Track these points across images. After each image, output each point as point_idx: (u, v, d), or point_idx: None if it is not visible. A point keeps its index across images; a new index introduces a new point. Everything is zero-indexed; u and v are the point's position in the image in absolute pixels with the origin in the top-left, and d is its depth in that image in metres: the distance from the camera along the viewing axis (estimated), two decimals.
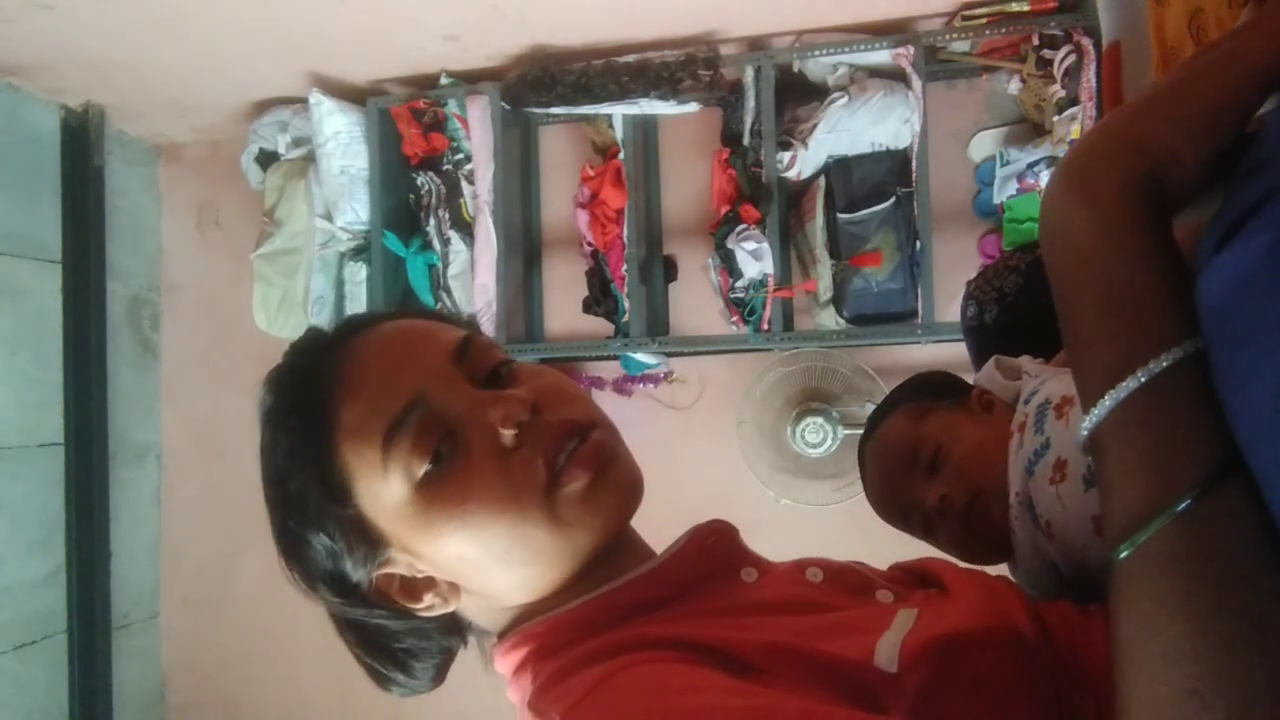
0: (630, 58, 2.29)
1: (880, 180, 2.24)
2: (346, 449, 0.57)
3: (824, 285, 2.30)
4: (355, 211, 2.47)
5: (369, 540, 0.58)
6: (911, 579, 0.65)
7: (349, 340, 0.61)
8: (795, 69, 2.32)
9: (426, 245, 2.48)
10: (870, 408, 1.00)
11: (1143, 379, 0.40)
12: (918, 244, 2.17)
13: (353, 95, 2.46)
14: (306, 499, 0.58)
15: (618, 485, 0.59)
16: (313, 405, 0.58)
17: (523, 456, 0.56)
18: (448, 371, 0.59)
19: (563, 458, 0.56)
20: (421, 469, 0.56)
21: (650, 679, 0.48)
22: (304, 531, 0.58)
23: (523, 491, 0.55)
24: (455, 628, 0.64)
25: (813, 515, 2.29)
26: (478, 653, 0.66)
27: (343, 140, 2.43)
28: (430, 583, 0.60)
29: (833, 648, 0.50)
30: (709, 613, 0.56)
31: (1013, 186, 2.22)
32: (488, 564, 0.57)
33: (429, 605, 0.61)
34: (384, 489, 0.56)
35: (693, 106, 2.29)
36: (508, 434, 0.56)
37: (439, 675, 0.65)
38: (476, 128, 2.38)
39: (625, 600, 0.57)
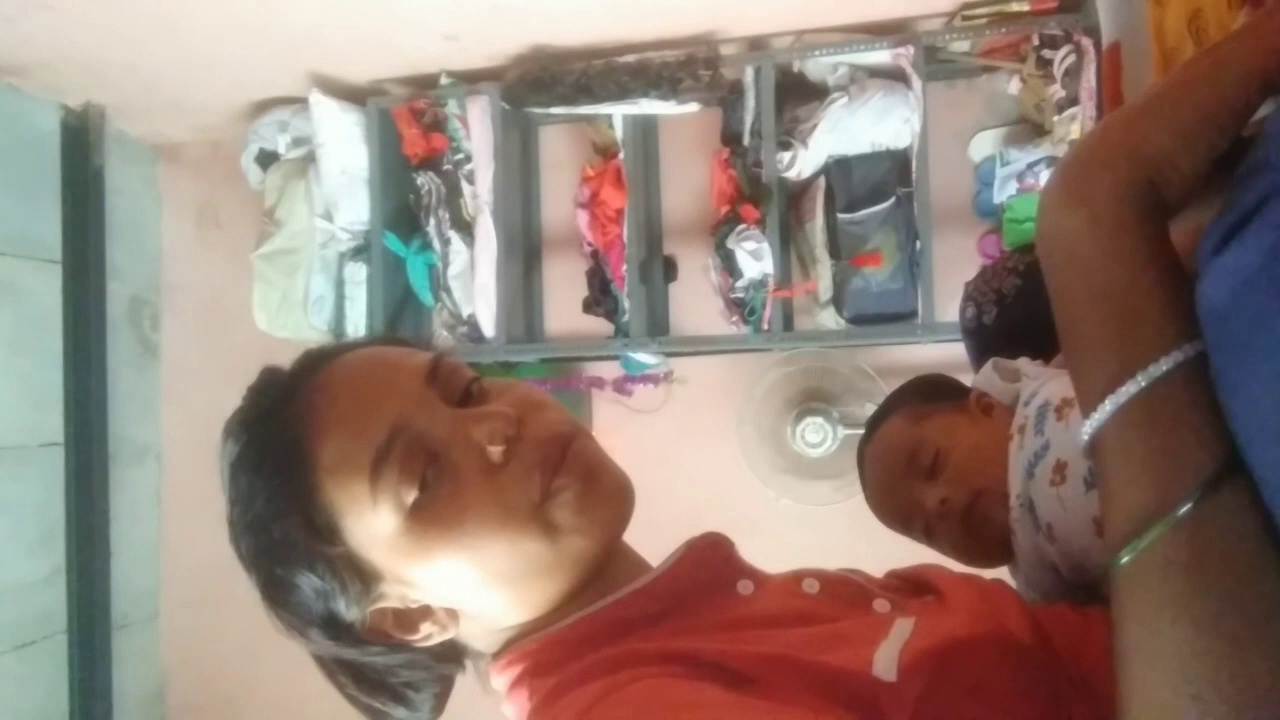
0: (630, 58, 2.29)
1: (880, 180, 2.24)
2: (331, 486, 0.55)
3: (824, 285, 2.30)
4: (355, 211, 2.47)
5: (361, 576, 0.57)
6: (908, 587, 0.65)
7: (314, 376, 0.59)
8: (795, 69, 2.32)
9: (426, 245, 2.47)
10: (870, 408, 1.00)
11: (1143, 383, 0.40)
12: (918, 244, 2.16)
13: (353, 95, 2.46)
14: (292, 543, 0.56)
15: (609, 492, 0.58)
16: (288, 446, 0.56)
17: (514, 472, 0.56)
18: (422, 395, 0.58)
19: (551, 468, 0.56)
20: (411, 496, 0.55)
21: (650, 694, 0.48)
22: (292, 576, 0.57)
23: (517, 507, 0.55)
24: (452, 655, 0.64)
25: (813, 515, 2.29)
26: (474, 676, 0.65)
27: (343, 140, 2.43)
28: (426, 612, 0.59)
29: (831, 659, 0.50)
30: (706, 627, 0.56)
31: (1013, 186, 2.22)
32: (487, 583, 0.57)
33: (426, 635, 0.60)
34: (374, 521, 0.55)
35: (693, 106, 2.29)
36: (496, 451, 0.56)
37: (439, 705, 0.64)
38: (476, 128, 2.38)
39: (622, 615, 0.57)
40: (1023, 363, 0.85)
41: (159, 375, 2.92)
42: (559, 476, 0.56)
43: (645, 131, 2.46)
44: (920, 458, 0.82)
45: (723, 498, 2.40)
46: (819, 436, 2.31)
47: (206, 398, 2.75)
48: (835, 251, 2.28)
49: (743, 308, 2.27)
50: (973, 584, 0.62)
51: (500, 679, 0.59)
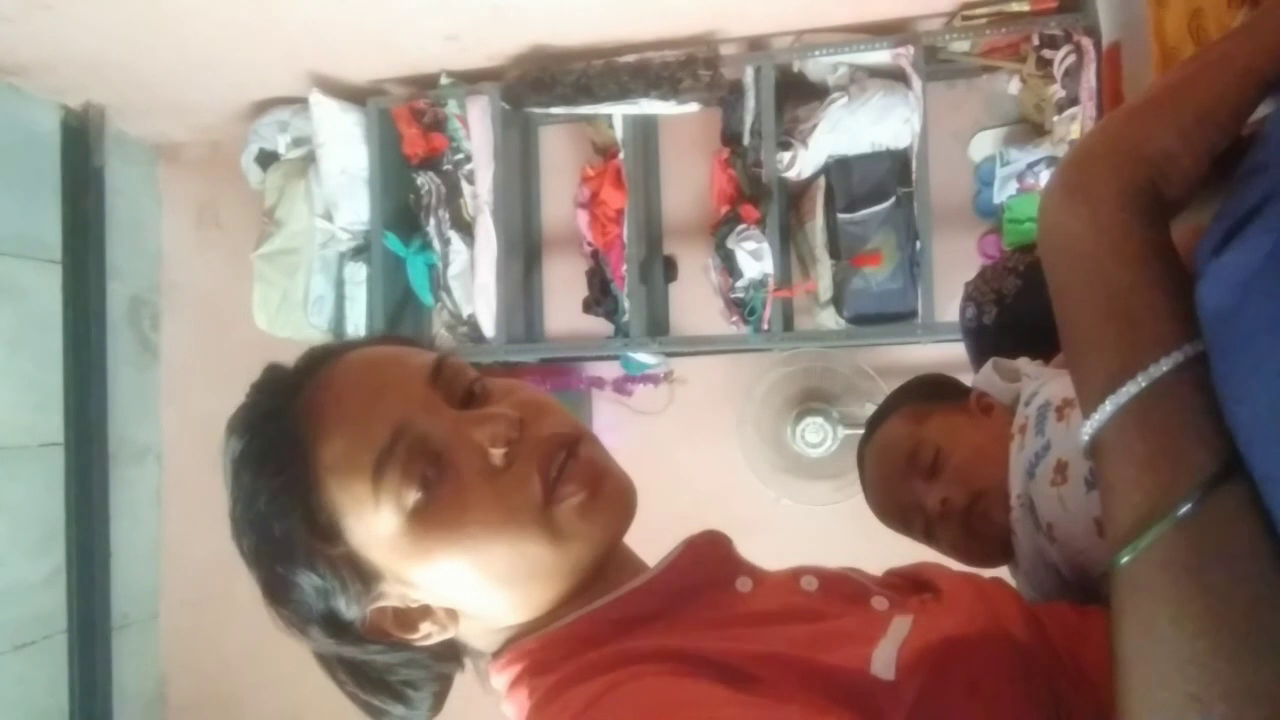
0: (630, 58, 2.29)
1: (880, 180, 2.24)
2: (333, 486, 0.56)
3: (824, 285, 2.30)
4: (355, 211, 2.47)
5: (361, 576, 0.57)
6: (906, 584, 0.65)
7: (317, 374, 0.59)
8: (795, 69, 2.32)
9: (426, 245, 2.47)
10: (870, 408, 1.00)
11: (1143, 383, 0.40)
12: (918, 244, 2.16)
13: (353, 95, 2.46)
14: (293, 542, 0.56)
15: (614, 496, 0.58)
16: (290, 445, 0.56)
17: (516, 474, 0.56)
18: (425, 396, 0.58)
19: (555, 471, 0.56)
20: (413, 497, 0.55)
21: (649, 692, 0.48)
22: (292, 575, 0.57)
23: (519, 509, 0.55)
24: (451, 654, 0.64)
25: (813, 515, 2.29)
26: (474, 674, 0.65)
27: (343, 140, 2.43)
28: (426, 611, 0.59)
29: (829, 657, 0.50)
30: (705, 624, 0.56)
31: (1013, 186, 2.22)
32: (487, 585, 0.57)
33: (426, 634, 0.60)
34: (375, 522, 0.55)
35: (693, 106, 2.29)
36: (498, 453, 0.56)
37: (438, 703, 0.65)
38: (476, 128, 2.38)
39: (621, 614, 0.57)
40: (1023, 363, 0.85)
41: (159, 375, 2.92)
42: (564, 482, 0.56)
43: (645, 131, 2.46)
44: (920, 458, 0.82)
45: (723, 498, 2.40)
46: (819, 436, 2.31)
47: (206, 398, 2.76)
48: (835, 251, 2.28)
49: (743, 308, 2.27)
50: (971, 582, 0.62)
51: (500, 678, 0.59)
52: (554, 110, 2.36)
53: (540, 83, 2.32)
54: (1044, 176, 2.18)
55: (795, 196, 2.39)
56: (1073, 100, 2.07)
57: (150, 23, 2.11)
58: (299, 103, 2.50)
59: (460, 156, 2.44)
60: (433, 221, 2.46)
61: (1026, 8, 2.13)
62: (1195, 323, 0.40)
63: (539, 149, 2.65)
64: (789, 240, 2.38)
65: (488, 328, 2.41)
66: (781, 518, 2.31)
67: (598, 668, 0.52)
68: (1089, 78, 2.02)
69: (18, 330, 2.46)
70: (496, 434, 0.56)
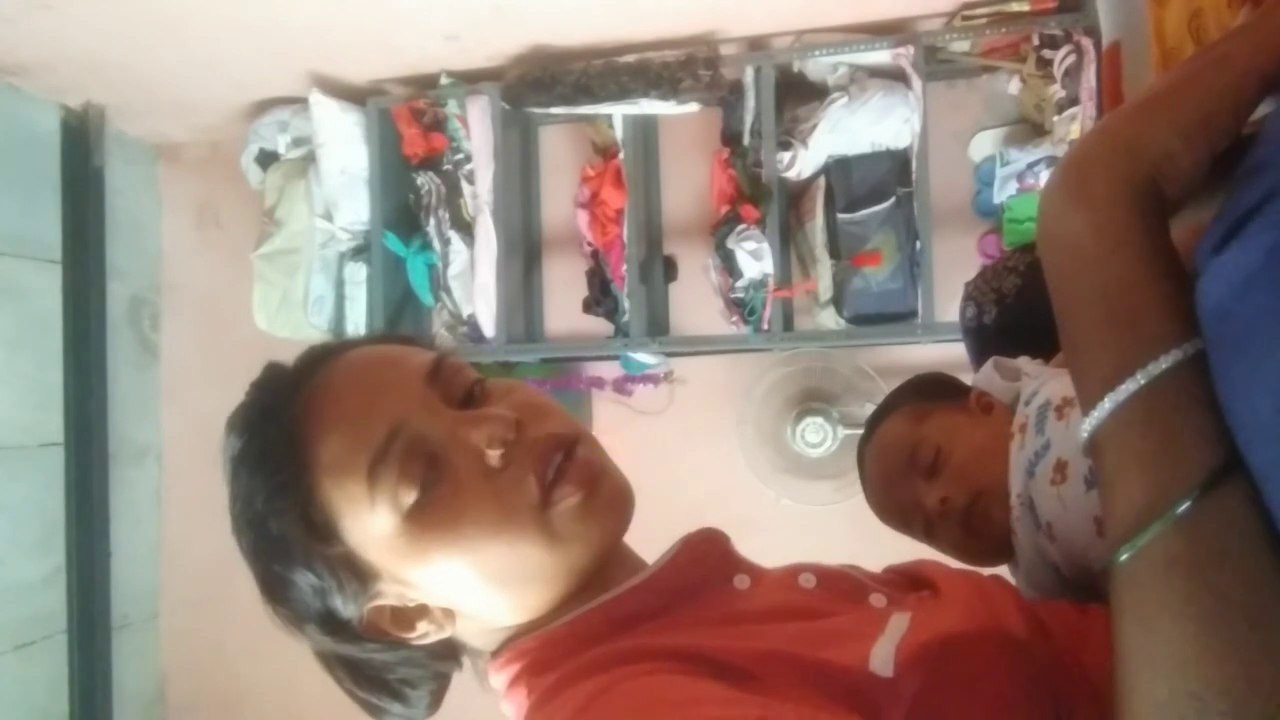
0: (630, 58, 2.29)
1: (880, 180, 2.24)
2: (329, 485, 0.56)
3: (824, 285, 2.30)
4: (355, 211, 2.47)
5: (358, 575, 0.57)
6: (904, 581, 0.65)
7: (316, 373, 0.60)
8: (795, 69, 2.32)
9: (426, 245, 2.48)
10: (870, 408, 1.00)
11: (1142, 381, 0.40)
12: (918, 244, 2.16)
13: (353, 95, 2.46)
14: (290, 541, 0.56)
15: (611, 499, 0.58)
16: (288, 444, 0.57)
17: (512, 475, 0.56)
18: (423, 395, 0.58)
19: (551, 472, 0.56)
20: (409, 497, 0.55)
21: (647, 691, 0.48)
22: (289, 573, 0.57)
23: (516, 510, 0.55)
24: (449, 653, 0.64)
25: (813, 515, 2.29)
26: (474, 673, 0.65)
27: (343, 140, 2.43)
28: (423, 610, 0.60)
29: (828, 655, 0.50)
30: (703, 622, 0.56)
31: (1013, 186, 2.22)
32: (483, 586, 0.57)
33: (423, 633, 0.60)
34: (371, 522, 0.55)
35: (693, 106, 2.29)
36: (494, 454, 0.56)
37: (435, 701, 0.65)
38: (476, 128, 2.38)
39: (619, 612, 0.57)
40: (1023, 362, 0.85)
41: (159, 375, 2.92)
42: (561, 484, 0.56)
43: (645, 131, 2.46)
44: (920, 456, 0.82)
45: (723, 498, 2.41)
46: (819, 436, 2.31)
47: (206, 398, 2.75)
48: (835, 251, 2.28)
49: (743, 308, 2.27)
50: (969, 579, 0.62)
51: (499, 677, 0.59)
52: (554, 110, 2.36)
53: (540, 83, 2.32)
54: (1044, 176, 2.18)
55: (795, 196, 2.39)
56: (1073, 100, 2.07)
57: (150, 23, 2.11)
58: (299, 103, 2.50)
59: (460, 156, 2.44)
60: (433, 221, 2.46)
61: (1026, 8, 2.13)
62: (1195, 321, 0.39)
63: (539, 149, 2.65)
64: (789, 240, 2.38)
65: (488, 328, 2.41)
66: (781, 518, 2.31)
67: (596, 666, 0.52)
68: (1089, 78, 2.02)
69: (18, 330, 2.46)
70: (493, 435, 0.56)
